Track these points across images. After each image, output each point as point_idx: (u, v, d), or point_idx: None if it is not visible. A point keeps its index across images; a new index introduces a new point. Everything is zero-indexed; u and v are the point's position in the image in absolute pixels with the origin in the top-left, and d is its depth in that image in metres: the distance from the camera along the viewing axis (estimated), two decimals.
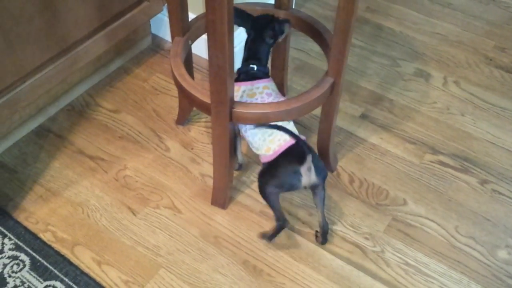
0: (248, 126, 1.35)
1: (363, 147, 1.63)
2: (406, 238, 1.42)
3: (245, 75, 1.38)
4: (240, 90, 1.36)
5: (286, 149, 1.29)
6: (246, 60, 1.39)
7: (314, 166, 1.25)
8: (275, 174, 1.29)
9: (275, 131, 1.30)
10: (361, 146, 1.63)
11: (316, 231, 1.41)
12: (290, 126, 1.35)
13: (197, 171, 1.55)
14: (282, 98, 1.36)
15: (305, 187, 1.29)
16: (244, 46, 1.40)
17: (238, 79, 1.37)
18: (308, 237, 1.42)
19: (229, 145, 1.30)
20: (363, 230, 1.44)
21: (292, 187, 1.29)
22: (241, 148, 1.52)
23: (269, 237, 1.38)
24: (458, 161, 1.60)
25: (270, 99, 1.34)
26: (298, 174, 1.25)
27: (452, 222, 1.46)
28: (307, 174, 1.25)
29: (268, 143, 1.31)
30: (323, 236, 1.38)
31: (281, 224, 1.35)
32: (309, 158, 1.23)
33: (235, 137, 1.37)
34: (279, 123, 1.28)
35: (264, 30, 1.36)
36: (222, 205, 1.46)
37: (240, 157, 1.52)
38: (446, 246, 1.41)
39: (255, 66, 1.37)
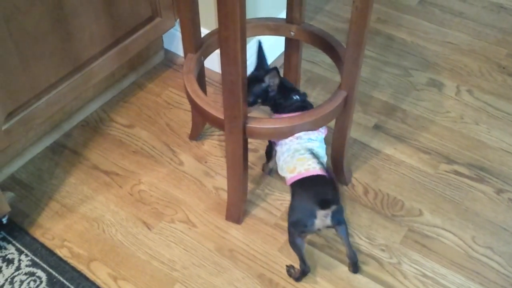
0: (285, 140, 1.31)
1: (377, 158, 1.62)
2: (423, 249, 1.41)
3: (290, 107, 1.34)
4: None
5: (312, 179, 1.24)
6: (288, 92, 1.35)
7: (333, 213, 1.22)
8: (293, 204, 1.27)
9: (308, 154, 1.26)
10: (375, 157, 1.62)
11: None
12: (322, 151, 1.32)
13: (211, 185, 1.56)
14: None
15: (318, 229, 1.26)
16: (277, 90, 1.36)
17: (279, 111, 1.35)
18: (324, 249, 1.41)
19: (243, 160, 1.31)
20: (379, 241, 1.43)
21: (305, 227, 1.25)
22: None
23: (296, 278, 1.35)
24: (473, 171, 1.59)
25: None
26: (313, 216, 1.22)
27: (469, 233, 1.45)
28: (322, 220, 1.22)
29: (295, 162, 1.27)
30: (353, 266, 1.36)
31: (304, 269, 1.33)
32: (333, 208, 1.20)
33: (271, 145, 1.42)
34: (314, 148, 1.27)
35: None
36: (236, 220, 1.46)
37: (272, 163, 1.51)
38: (463, 256, 1.40)
39: (298, 97, 1.35)
